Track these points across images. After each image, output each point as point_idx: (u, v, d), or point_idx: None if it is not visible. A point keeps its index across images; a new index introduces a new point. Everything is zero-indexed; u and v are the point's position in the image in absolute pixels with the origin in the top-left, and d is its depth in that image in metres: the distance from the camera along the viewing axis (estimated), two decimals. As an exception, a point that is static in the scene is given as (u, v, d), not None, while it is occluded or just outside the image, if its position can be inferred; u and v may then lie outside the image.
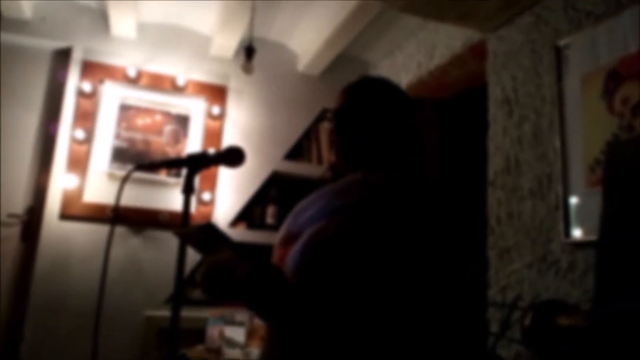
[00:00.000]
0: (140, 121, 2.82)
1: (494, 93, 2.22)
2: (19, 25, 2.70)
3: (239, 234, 2.81)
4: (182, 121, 2.90)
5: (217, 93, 2.97)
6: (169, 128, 2.86)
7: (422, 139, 1.12)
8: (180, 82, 2.89)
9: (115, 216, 2.51)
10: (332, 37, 2.75)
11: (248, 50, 2.56)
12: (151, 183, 2.77)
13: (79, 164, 2.66)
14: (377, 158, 1.06)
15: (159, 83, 2.87)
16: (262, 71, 2.96)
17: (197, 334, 2.46)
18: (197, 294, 2.70)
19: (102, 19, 2.83)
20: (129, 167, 2.64)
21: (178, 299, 1.03)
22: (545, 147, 1.91)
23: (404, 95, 1.14)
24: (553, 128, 1.87)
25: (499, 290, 2.02)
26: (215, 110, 2.94)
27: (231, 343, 2.41)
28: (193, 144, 2.89)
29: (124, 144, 2.77)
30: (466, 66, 2.59)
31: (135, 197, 2.68)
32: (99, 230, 2.62)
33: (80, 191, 2.64)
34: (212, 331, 2.42)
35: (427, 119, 3.09)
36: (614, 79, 1.66)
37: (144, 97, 2.85)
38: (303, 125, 3.12)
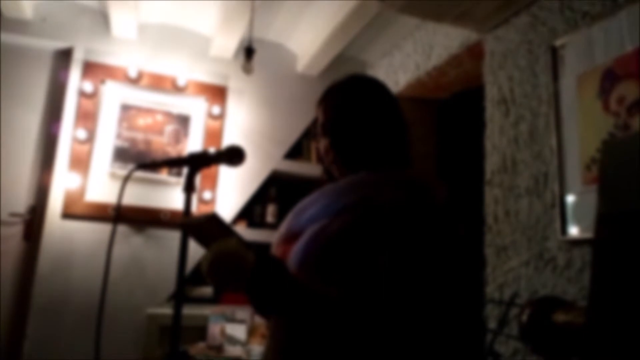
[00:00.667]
0: (142, 121, 2.84)
1: (491, 93, 2.24)
2: (20, 25, 2.72)
3: (240, 232, 2.83)
4: (183, 121, 2.92)
5: (217, 93, 2.99)
6: (169, 128, 2.88)
7: (410, 136, 1.12)
8: (181, 82, 2.91)
9: (117, 215, 2.53)
10: (330, 37, 2.76)
11: (248, 51, 2.58)
12: (152, 182, 2.79)
13: (80, 163, 2.68)
14: (375, 157, 1.07)
15: (160, 83, 2.89)
16: (261, 71, 2.98)
17: (199, 331, 2.49)
18: (198, 291, 2.72)
19: (102, 19, 2.85)
20: (131, 166, 2.66)
21: (180, 297, 1.04)
22: (541, 146, 1.93)
23: (390, 93, 1.15)
24: (549, 127, 1.89)
25: (496, 288, 2.04)
26: (216, 110, 2.96)
27: (232, 340, 2.43)
28: (194, 144, 2.91)
29: (125, 144, 2.79)
30: (463, 66, 2.61)
31: (137, 196, 2.71)
32: (101, 229, 2.64)
33: (82, 190, 2.66)
34: (214, 328, 2.44)
35: (425, 118, 3.11)
36: (610, 78, 1.68)
37: (145, 97, 2.87)
38: (302, 124, 3.14)
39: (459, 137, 3.06)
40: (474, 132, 2.42)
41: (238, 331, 2.48)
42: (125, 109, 2.83)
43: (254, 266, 0.87)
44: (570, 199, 1.78)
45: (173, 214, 2.75)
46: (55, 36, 2.78)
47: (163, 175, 2.81)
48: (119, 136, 2.79)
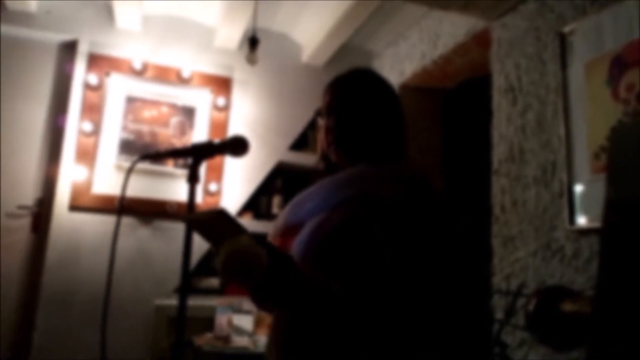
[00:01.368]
0: (147, 113, 2.84)
1: (498, 81, 2.22)
2: (25, 18, 2.72)
3: (246, 224, 2.79)
4: (188, 113, 2.91)
5: (222, 84, 2.98)
6: (175, 120, 2.88)
7: (408, 131, 1.13)
8: (186, 73, 2.90)
9: (121, 206, 2.54)
10: (335, 27, 2.74)
11: (252, 41, 2.57)
12: (158, 174, 2.80)
13: (87, 155, 2.69)
14: (374, 151, 1.07)
15: (165, 75, 2.89)
16: (266, 62, 2.97)
17: (206, 322, 2.50)
18: (205, 283, 2.74)
19: (107, 11, 2.84)
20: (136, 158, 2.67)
21: (185, 288, 1.04)
22: (549, 135, 1.91)
23: (393, 89, 1.15)
24: (557, 116, 1.87)
25: (503, 278, 2.03)
26: (221, 101, 2.95)
27: (239, 331, 2.44)
28: (199, 136, 2.91)
29: (131, 136, 2.79)
30: (470, 55, 2.58)
31: (142, 188, 2.71)
32: (108, 221, 2.66)
33: (88, 183, 2.67)
34: (221, 319, 2.45)
35: (431, 108, 3.09)
36: (619, 65, 1.65)
37: (150, 89, 2.86)
38: (307, 115, 3.12)
39: (466, 126, 3.04)
40: (480, 121, 2.40)
41: (245, 322, 2.49)
42: (131, 101, 2.83)
43: (267, 264, 0.87)
44: (578, 188, 1.76)
45: (179, 205, 2.76)
46: (59, 29, 2.78)
47: (169, 167, 2.82)
48: (124, 128, 2.79)
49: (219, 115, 2.95)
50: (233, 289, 2.72)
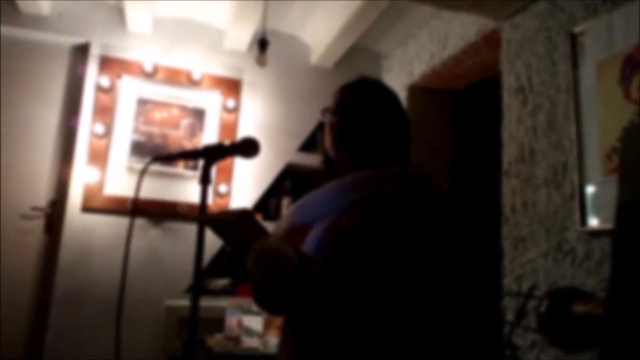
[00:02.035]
0: (158, 115, 2.87)
1: (508, 82, 2.21)
2: (38, 21, 2.75)
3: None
4: (198, 115, 2.93)
5: (231, 86, 3.00)
6: (185, 122, 2.91)
7: (411, 137, 1.15)
8: (196, 76, 2.92)
9: (135, 208, 2.56)
10: (344, 28, 2.75)
11: (261, 43, 2.58)
12: (169, 176, 2.82)
13: (99, 157, 2.72)
14: (380, 156, 1.08)
15: (175, 77, 2.91)
16: (275, 64, 2.98)
17: (217, 323, 2.52)
18: (215, 283, 2.75)
19: (118, 14, 2.87)
20: (148, 160, 2.69)
21: (197, 289, 1.05)
22: (560, 136, 1.90)
23: (398, 98, 1.17)
24: (568, 116, 1.86)
25: (514, 279, 2.02)
26: (230, 103, 2.97)
27: (249, 332, 2.45)
28: (209, 137, 2.92)
29: (142, 138, 2.82)
30: (479, 55, 2.57)
31: (153, 189, 2.74)
32: (120, 222, 2.68)
33: (100, 184, 2.70)
34: (231, 320, 2.46)
35: (440, 108, 3.08)
36: (631, 65, 1.64)
37: (161, 91, 2.89)
38: (317, 117, 3.12)
39: (475, 127, 3.03)
40: (490, 122, 2.39)
41: (255, 323, 2.50)
42: (142, 103, 2.85)
43: (297, 265, 0.88)
44: (589, 189, 1.75)
45: (189, 207, 2.78)
46: (72, 31, 2.82)
47: (179, 168, 2.84)
48: (135, 130, 2.82)
49: (229, 117, 2.97)
50: (243, 289, 2.73)
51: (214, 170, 2.81)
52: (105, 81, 2.77)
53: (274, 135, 3.03)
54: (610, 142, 1.68)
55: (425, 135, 2.97)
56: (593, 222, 1.72)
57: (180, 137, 2.88)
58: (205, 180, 1.07)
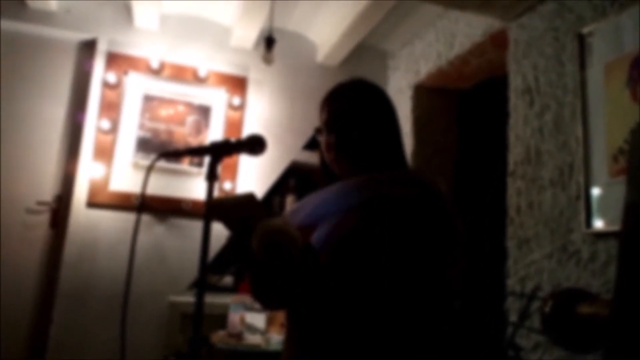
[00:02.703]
0: (164, 112, 2.87)
1: (515, 82, 2.20)
2: (46, 17, 2.77)
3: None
4: (204, 112, 2.94)
5: (237, 84, 3.00)
6: (191, 118, 2.91)
7: (400, 133, 1.15)
8: (202, 73, 2.93)
9: (142, 204, 2.57)
10: (350, 27, 2.74)
11: (268, 41, 2.58)
12: (174, 172, 2.83)
13: (104, 153, 2.73)
14: (379, 158, 1.08)
15: (181, 74, 2.92)
16: (281, 62, 2.98)
17: (219, 319, 2.52)
18: (218, 280, 2.76)
19: (125, 10, 2.88)
20: (153, 156, 2.70)
21: (202, 285, 1.06)
22: (566, 137, 1.89)
23: (384, 93, 1.17)
24: (575, 117, 1.85)
25: (518, 281, 2.01)
26: (236, 100, 2.97)
27: (252, 329, 2.46)
28: (214, 135, 2.93)
29: (147, 134, 2.83)
30: (486, 55, 2.56)
31: (159, 186, 2.74)
32: (124, 218, 2.69)
33: (106, 180, 2.71)
34: (234, 317, 2.47)
35: (446, 108, 3.07)
36: (639, 67, 1.63)
37: (167, 88, 2.90)
38: (322, 115, 3.13)
39: (482, 127, 3.02)
40: (496, 122, 2.38)
41: (257, 320, 2.51)
42: (148, 99, 2.86)
43: (303, 246, 0.88)
44: (595, 191, 1.74)
45: (194, 203, 2.79)
46: (79, 28, 2.83)
47: (184, 165, 2.85)
48: (141, 126, 2.82)
49: (234, 115, 2.97)
50: (246, 286, 2.74)
51: (220, 167, 2.82)
52: (111, 77, 2.78)
53: (279, 133, 3.03)
54: (617, 143, 1.67)
55: (430, 134, 2.97)
56: (598, 224, 1.71)
57: (185, 134, 2.89)
58: (211, 177, 1.07)
